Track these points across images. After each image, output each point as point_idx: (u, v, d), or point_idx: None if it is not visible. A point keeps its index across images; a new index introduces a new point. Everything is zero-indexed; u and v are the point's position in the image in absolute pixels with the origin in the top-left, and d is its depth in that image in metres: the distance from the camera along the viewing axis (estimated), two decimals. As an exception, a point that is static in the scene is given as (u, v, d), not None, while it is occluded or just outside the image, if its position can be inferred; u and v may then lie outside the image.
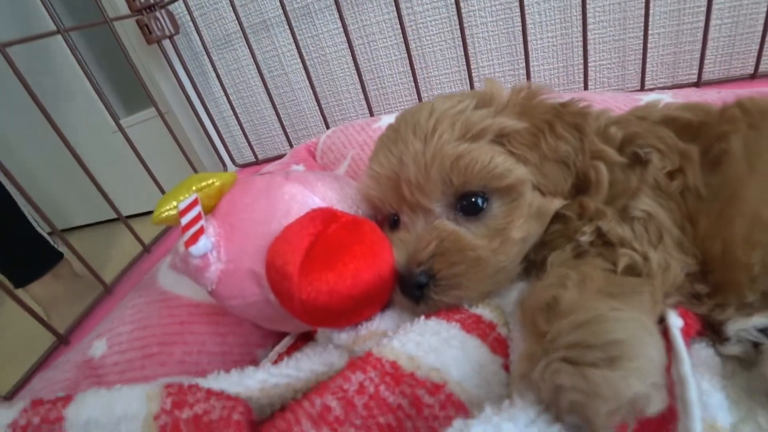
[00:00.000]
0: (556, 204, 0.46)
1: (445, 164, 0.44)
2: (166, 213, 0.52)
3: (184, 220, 0.49)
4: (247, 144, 1.26)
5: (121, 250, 1.64)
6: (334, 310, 0.40)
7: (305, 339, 0.57)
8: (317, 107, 1.15)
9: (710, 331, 0.43)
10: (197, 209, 0.50)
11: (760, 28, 0.89)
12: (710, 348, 0.42)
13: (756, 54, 0.92)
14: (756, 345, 0.39)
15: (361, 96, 1.13)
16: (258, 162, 1.28)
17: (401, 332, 0.39)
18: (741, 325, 0.40)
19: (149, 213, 0.52)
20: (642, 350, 0.29)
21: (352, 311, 0.41)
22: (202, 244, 0.48)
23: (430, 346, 0.36)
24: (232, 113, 1.23)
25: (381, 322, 0.45)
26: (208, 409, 0.31)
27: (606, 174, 0.45)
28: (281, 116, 1.19)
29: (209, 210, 0.53)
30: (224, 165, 1.29)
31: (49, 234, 1.14)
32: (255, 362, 0.59)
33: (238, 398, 0.34)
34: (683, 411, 0.31)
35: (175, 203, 0.52)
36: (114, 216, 0.92)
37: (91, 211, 2.13)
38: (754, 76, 0.95)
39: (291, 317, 0.44)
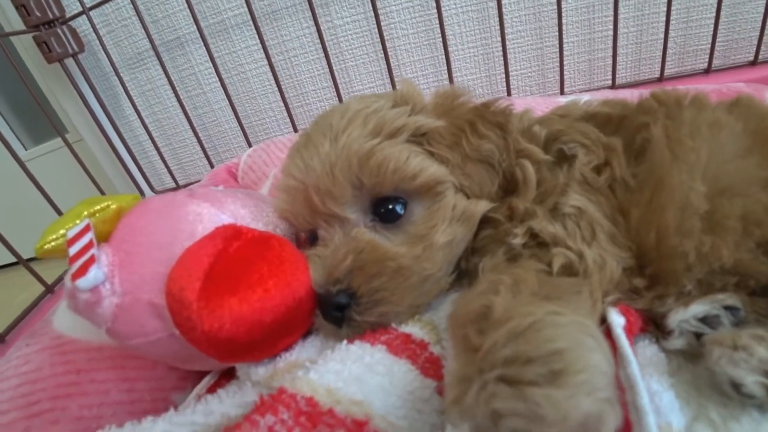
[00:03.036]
0: (482, 206, 0.44)
1: (352, 162, 0.40)
2: (52, 243, 0.45)
3: (73, 250, 0.43)
4: (166, 169, 1.18)
5: (28, 298, 1.47)
6: (243, 341, 0.35)
7: (229, 376, 0.51)
8: (239, 127, 1.10)
9: (653, 326, 0.42)
10: (88, 236, 0.44)
11: (662, 35, 0.95)
12: (654, 344, 0.41)
13: (660, 59, 0.98)
14: (698, 336, 0.39)
15: (285, 113, 1.08)
16: (179, 187, 1.20)
17: (320, 362, 0.34)
18: (681, 316, 0.39)
19: (61, 253, 0.45)
20: (588, 359, 0.26)
21: (265, 341, 0.36)
22: (92, 276, 0.41)
23: (352, 375, 0.32)
24: (148, 137, 1.15)
25: (302, 352, 0.40)
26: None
27: (533, 172, 0.44)
28: (201, 138, 1.13)
29: (105, 237, 0.47)
30: (142, 193, 1.20)
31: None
32: (170, 408, 0.52)
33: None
34: (636, 419, 0.29)
35: (63, 231, 0.45)
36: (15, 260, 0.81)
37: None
38: (660, 79, 1.01)
39: (203, 355, 0.39)
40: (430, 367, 0.36)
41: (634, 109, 0.49)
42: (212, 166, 1.16)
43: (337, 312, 0.39)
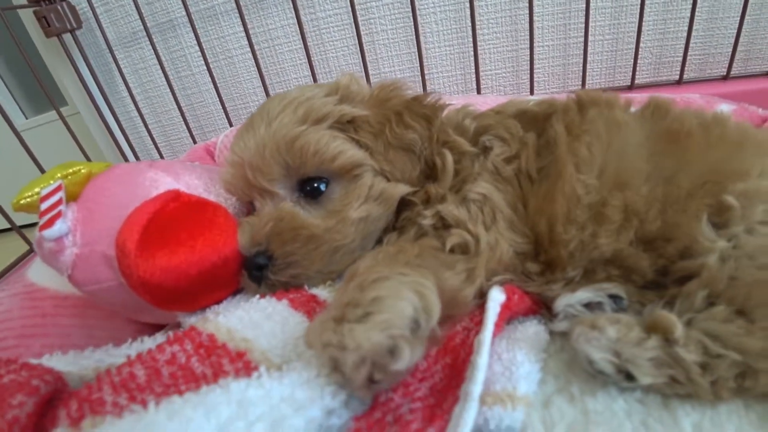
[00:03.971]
0: (400, 189, 0.49)
1: (280, 146, 0.46)
2: (27, 199, 0.51)
3: (44, 206, 0.49)
4: (153, 144, 1.23)
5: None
6: (173, 289, 0.40)
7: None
8: (223, 108, 1.15)
9: (545, 309, 0.46)
10: (59, 195, 0.50)
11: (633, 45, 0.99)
12: (541, 325, 0.44)
13: (631, 67, 1.02)
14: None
15: (266, 98, 1.13)
16: (166, 163, 1.25)
17: (231, 308, 0.40)
18: (567, 301, 0.43)
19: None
20: (395, 305, 0.31)
21: (192, 291, 0.42)
22: (57, 228, 0.47)
23: (252, 320, 0.38)
24: (138, 113, 1.20)
25: (228, 306, 0.45)
26: (14, 378, 0.31)
27: (451, 161, 0.49)
28: (187, 117, 1.18)
29: (75, 197, 0.52)
30: (131, 166, 1.25)
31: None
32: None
33: (51, 370, 0.34)
34: (470, 375, 0.33)
35: (37, 189, 0.51)
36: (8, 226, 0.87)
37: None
38: (631, 87, 1.05)
39: (148, 304, 0.44)
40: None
41: (557, 108, 0.52)
42: (196, 144, 1.21)
43: (256, 272, 0.44)
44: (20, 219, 0.84)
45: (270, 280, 0.45)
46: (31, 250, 0.92)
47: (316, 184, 0.48)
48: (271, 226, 0.45)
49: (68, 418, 0.29)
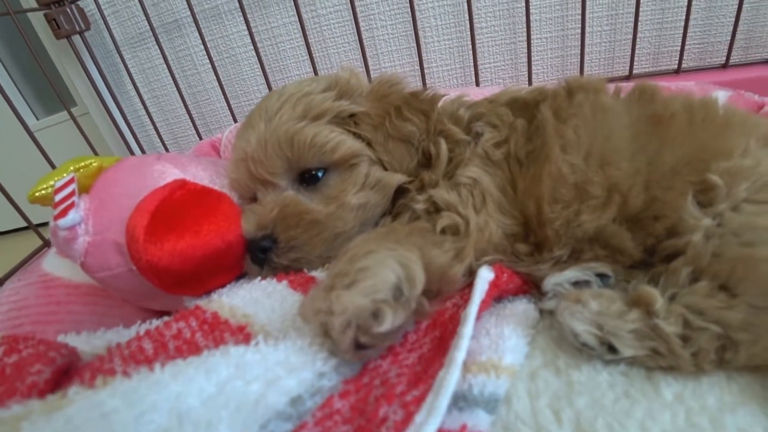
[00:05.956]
0: (397, 178, 0.51)
1: (281, 141, 0.48)
2: (42, 191, 0.53)
3: (58, 197, 0.51)
4: (160, 141, 1.26)
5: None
6: (179, 272, 0.43)
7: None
8: (227, 106, 1.18)
9: (535, 288, 0.47)
10: (72, 187, 0.52)
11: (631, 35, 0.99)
12: (530, 304, 0.46)
13: (630, 57, 1.02)
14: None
15: (271, 95, 1.15)
16: (173, 160, 1.28)
17: (234, 289, 0.42)
18: (556, 279, 0.44)
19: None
20: (380, 273, 0.34)
21: (200, 276, 0.45)
22: (71, 217, 0.49)
23: (252, 298, 0.41)
24: (145, 111, 1.23)
25: (232, 289, 0.47)
26: (32, 352, 0.34)
27: (445, 148, 0.50)
28: (193, 114, 1.21)
29: (87, 189, 0.55)
30: (140, 164, 1.28)
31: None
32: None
33: (66, 345, 0.36)
34: (455, 343, 0.35)
35: (51, 182, 0.53)
36: (26, 224, 0.90)
37: (4, 218, 2.03)
38: (629, 77, 1.05)
39: (156, 290, 0.47)
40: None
41: (548, 95, 0.54)
42: (201, 140, 1.23)
43: (260, 254, 0.47)
44: (35, 217, 0.87)
45: (273, 263, 0.47)
46: (44, 245, 0.95)
47: (314, 173, 0.50)
48: (277, 212, 0.47)
49: (81, 385, 0.31)
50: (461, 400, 0.33)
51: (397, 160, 0.51)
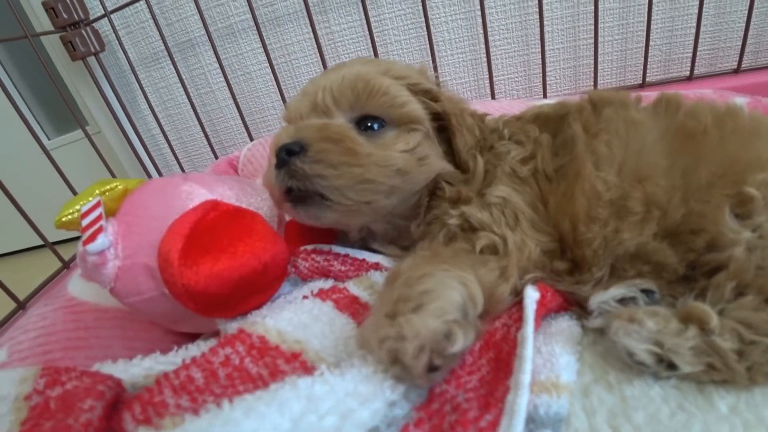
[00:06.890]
0: (440, 164, 0.51)
1: (358, 79, 0.48)
2: (68, 216, 0.53)
3: (85, 222, 0.51)
4: (175, 160, 1.27)
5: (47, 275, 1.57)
6: (216, 295, 0.42)
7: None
8: (243, 123, 1.18)
9: (577, 306, 0.47)
10: (99, 211, 0.51)
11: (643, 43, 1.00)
12: (573, 320, 0.45)
13: (642, 65, 1.03)
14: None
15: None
16: (188, 178, 1.28)
17: (276, 311, 0.41)
18: (601, 298, 0.43)
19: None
20: (445, 295, 0.33)
21: (234, 296, 0.44)
22: (100, 242, 0.49)
23: (300, 322, 0.40)
24: (160, 130, 1.24)
25: (269, 311, 0.46)
26: (78, 385, 0.33)
27: (482, 165, 0.50)
28: (207, 132, 1.21)
29: (113, 212, 0.55)
30: (154, 182, 1.28)
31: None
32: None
33: (111, 376, 0.35)
34: (518, 366, 0.35)
35: (78, 207, 0.53)
36: (41, 243, 0.90)
37: (19, 237, 2.03)
38: (642, 85, 1.06)
39: (188, 313, 0.46)
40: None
41: (570, 109, 0.54)
42: (217, 158, 1.24)
43: (285, 155, 0.45)
44: (52, 235, 0.86)
45: (295, 166, 0.44)
46: (64, 266, 0.95)
47: (370, 123, 0.49)
48: (320, 126, 0.46)
49: (134, 421, 0.30)
50: (530, 422, 0.32)
51: (462, 142, 0.51)
